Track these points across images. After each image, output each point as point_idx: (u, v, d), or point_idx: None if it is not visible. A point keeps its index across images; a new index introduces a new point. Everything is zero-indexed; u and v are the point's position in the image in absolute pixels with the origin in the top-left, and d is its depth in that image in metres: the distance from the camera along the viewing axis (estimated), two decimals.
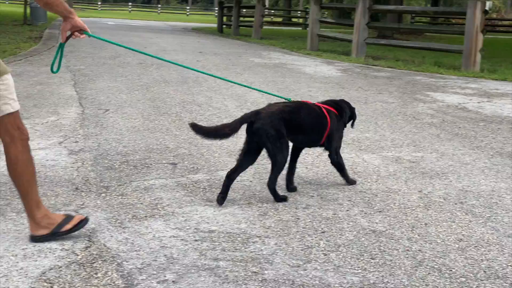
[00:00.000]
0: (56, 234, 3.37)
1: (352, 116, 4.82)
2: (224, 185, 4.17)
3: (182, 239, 3.49)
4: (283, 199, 4.26)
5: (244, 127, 4.20)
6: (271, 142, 4.14)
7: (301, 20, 42.96)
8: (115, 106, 7.48)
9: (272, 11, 50.99)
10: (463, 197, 4.49)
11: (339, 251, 3.42)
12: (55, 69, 3.67)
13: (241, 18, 28.70)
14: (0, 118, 3.20)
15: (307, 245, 3.48)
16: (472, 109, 8.38)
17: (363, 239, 3.62)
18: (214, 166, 5.09)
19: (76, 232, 3.45)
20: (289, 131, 4.24)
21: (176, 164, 5.11)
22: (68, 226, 3.41)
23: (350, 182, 4.72)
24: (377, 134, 6.54)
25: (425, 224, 3.92)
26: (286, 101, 4.54)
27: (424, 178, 4.96)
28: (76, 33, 3.50)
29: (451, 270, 3.22)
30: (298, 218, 3.92)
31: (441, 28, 26.13)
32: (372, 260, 3.31)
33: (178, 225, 3.72)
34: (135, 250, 3.31)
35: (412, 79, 11.62)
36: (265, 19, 23.99)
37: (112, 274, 3.02)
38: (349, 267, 3.22)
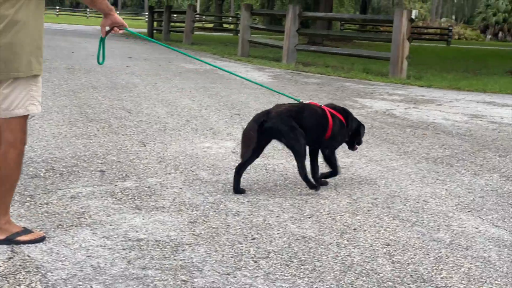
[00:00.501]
0: (11, 241, 3.38)
1: (358, 131, 5.10)
2: (235, 180, 4.62)
3: (109, 248, 3.42)
4: (314, 186, 4.70)
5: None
6: (285, 136, 4.61)
7: (232, 26, 43.06)
8: (41, 112, 7.29)
9: (204, 17, 50.99)
10: (390, 202, 4.57)
11: (269, 257, 3.42)
12: (100, 60, 3.88)
13: (172, 24, 28.57)
14: (16, 117, 3.28)
15: (237, 252, 3.46)
16: (399, 115, 8.56)
17: (293, 245, 3.63)
18: (143, 173, 5.01)
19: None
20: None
21: (104, 171, 5.01)
22: (25, 238, 3.42)
23: (327, 176, 4.97)
24: None
25: (354, 229, 3.96)
26: (293, 101, 4.96)
27: (353, 183, 5.02)
28: (116, 28, 3.70)
29: (378, 275, 3.26)
30: (228, 225, 3.90)
31: (369, 35, 26.62)
32: (301, 266, 3.32)
33: (106, 234, 3.64)
34: (60, 261, 3.22)
35: (341, 85, 11.78)
36: (196, 24, 23.91)
37: (36, 285, 2.92)
38: (279, 273, 3.21)
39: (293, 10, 15.97)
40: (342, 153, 6.03)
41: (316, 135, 4.78)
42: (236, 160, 5.56)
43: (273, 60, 16.79)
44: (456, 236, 3.92)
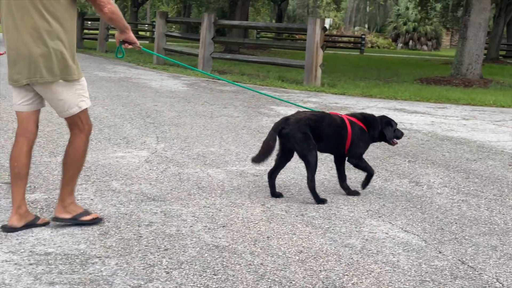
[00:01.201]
0: (76, 221, 3.91)
1: (383, 130, 5.11)
2: (270, 185, 4.89)
3: (15, 263, 3.30)
4: (322, 201, 4.77)
5: None
6: (298, 144, 4.73)
7: (148, 34, 42.63)
8: None
9: None
10: (304, 209, 4.60)
11: (182, 268, 3.38)
12: (119, 55, 4.35)
13: (86, 31, 28.04)
14: (75, 114, 3.85)
15: (149, 264, 3.41)
16: None
17: (206, 255, 3.60)
18: (53, 184, 4.88)
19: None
20: (313, 137, 4.75)
21: None
22: (87, 218, 3.96)
23: (363, 186, 5.12)
24: (222, 149, 6.58)
25: (268, 237, 3.97)
26: (312, 111, 5.13)
27: (267, 191, 5.03)
28: (127, 44, 4.17)
29: (291, 282, 3.27)
30: (140, 236, 3.84)
31: (284, 43, 26.94)
32: (214, 276, 3.30)
33: (12, 248, 3.52)
34: None
35: (256, 94, 11.84)
36: (111, 32, 23.50)
37: None
38: (191, 284, 3.18)
39: (208, 18, 15.97)
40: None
41: (336, 144, 4.93)
42: (150, 169, 5.50)
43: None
44: (367, 241, 3.99)
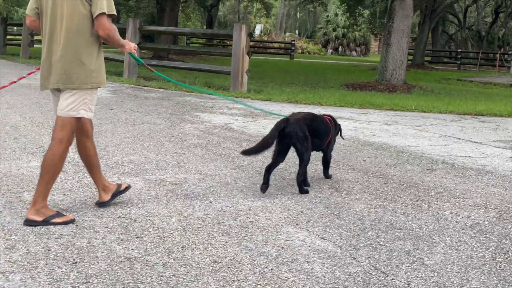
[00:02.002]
0: (47, 223, 4.13)
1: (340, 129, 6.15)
2: (265, 177, 5.26)
3: None
4: (306, 191, 5.34)
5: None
6: (300, 142, 5.28)
7: None
8: None
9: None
10: (221, 218, 4.55)
11: (90, 282, 3.27)
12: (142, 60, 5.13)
13: (9, 36, 27.32)
14: (69, 118, 4.24)
15: (56, 279, 3.29)
16: (237, 129, 8.64)
17: (116, 267, 3.50)
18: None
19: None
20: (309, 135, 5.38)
21: None
22: (59, 220, 4.19)
23: (328, 176, 5.96)
24: (142, 157, 6.46)
25: (182, 247, 3.89)
26: (306, 112, 5.77)
27: (185, 200, 4.96)
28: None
29: None
30: (49, 250, 3.70)
31: (210, 49, 26.90)
32: None
33: None
34: None
35: (182, 100, 11.75)
36: (37, 37, 22.95)
37: None
38: None
39: (133, 24, 15.77)
40: (177, 168, 5.99)
41: (322, 140, 5.66)
42: (65, 179, 5.36)
43: (114, 75, 16.44)
44: (283, 249, 3.96)
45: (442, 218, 4.81)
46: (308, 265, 3.71)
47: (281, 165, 5.62)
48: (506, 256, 4.01)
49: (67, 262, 3.53)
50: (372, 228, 4.48)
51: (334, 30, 63.58)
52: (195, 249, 3.88)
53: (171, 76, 16.66)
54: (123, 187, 4.77)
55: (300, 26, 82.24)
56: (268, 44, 50.52)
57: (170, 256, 3.74)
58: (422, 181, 6.03)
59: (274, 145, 5.31)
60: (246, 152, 5.36)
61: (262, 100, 12.57)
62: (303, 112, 5.64)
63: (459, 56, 40.08)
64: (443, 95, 16.38)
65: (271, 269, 3.61)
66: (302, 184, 5.37)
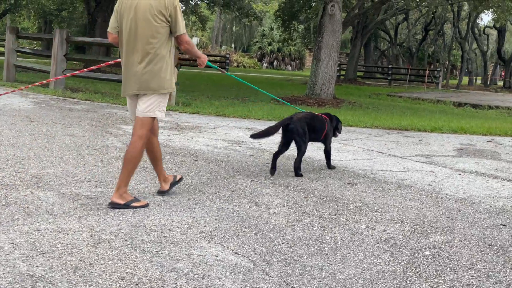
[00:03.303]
0: (128, 206, 5.01)
1: (337, 125, 7.45)
2: (273, 162, 6.77)
3: None
4: (300, 175, 6.79)
5: None
6: (299, 136, 6.77)
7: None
8: None
9: None
10: (134, 233, 4.44)
11: None
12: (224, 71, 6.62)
13: None
14: (147, 118, 5.15)
15: None
16: (162, 142, 8.50)
17: (18, 285, 3.36)
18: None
19: None
20: (308, 131, 6.86)
21: None
22: (136, 204, 5.05)
23: (331, 167, 7.36)
24: (59, 170, 6.28)
25: (90, 264, 3.77)
26: (306, 111, 7.35)
27: (99, 214, 4.83)
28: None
29: None
30: None
31: None
32: None
33: None
34: None
35: (108, 112, 11.55)
36: None
37: None
38: None
39: (60, 34, 15.44)
40: (94, 182, 5.84)
41: (320, 134, 7.07)
42: None
43: (40, 86, 16.05)
44: (195, 265, 3.88)
45: (358, 232, 4.82)
46: (219, 281, 3.65)
47: (201, 179, 5.55)
48: (417, 270, 4.04)
49: None
50: (287, 243, 4.44)
51: (269, 44, 64.10)
52: (104, 265, 3.77)
53: (101, 88, 16.40)
54: (178, 177, 5.67)
55: (236, 40, 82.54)
56: None
57: (76, 273, 3.61)
58: (342, 195, 6.05)
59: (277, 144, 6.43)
60: (254, 136, 6.70)
61: (190, 113, 12.47)
62: (304, 112, 7.13)
63: (390, 72, 40.90)
64: (371, 110, 16.63)
65: (181, 285, 3.53)
66: (298, 169, 6.76)
